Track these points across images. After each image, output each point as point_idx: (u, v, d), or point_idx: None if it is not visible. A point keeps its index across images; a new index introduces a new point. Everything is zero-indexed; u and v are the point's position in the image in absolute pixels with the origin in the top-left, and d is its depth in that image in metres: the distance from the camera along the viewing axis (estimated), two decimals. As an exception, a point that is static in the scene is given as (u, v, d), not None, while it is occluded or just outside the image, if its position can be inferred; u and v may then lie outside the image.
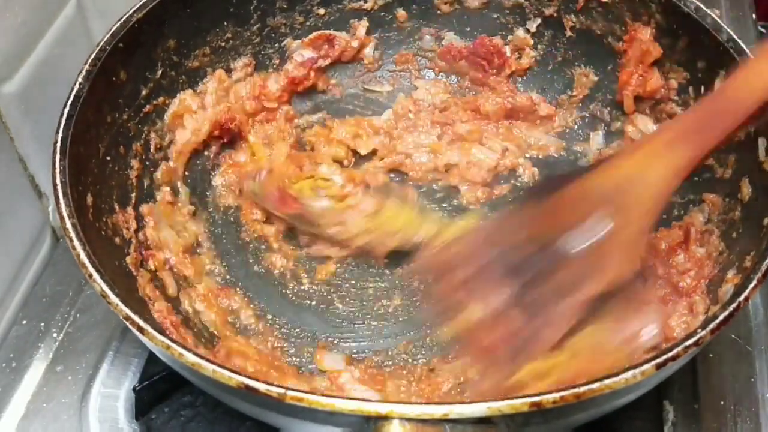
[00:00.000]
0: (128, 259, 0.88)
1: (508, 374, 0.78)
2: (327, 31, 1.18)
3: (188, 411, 0.92)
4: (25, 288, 1.03)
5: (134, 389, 0.90)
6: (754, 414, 0.88)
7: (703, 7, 0.96)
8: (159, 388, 0.91)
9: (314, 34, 1.17)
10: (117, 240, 0.88)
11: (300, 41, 1.17)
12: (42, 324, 0.98)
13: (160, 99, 1.03)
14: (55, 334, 0.97)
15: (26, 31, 0.98)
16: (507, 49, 1.18)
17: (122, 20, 0.95)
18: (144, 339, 0.69)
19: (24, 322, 0.98)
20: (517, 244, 0.84)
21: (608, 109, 1.12)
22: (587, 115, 1.15)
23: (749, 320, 0.97)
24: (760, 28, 1.32)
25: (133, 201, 0.95)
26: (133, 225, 0.93)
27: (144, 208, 0.96)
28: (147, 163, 1.00)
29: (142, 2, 0.97)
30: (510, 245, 0.84)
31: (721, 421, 0.88)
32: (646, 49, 1.02)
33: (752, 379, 0.91)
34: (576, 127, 1.15)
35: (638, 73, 1.04)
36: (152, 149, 1.01)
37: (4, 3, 0.93)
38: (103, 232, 0.85)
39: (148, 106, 1.01)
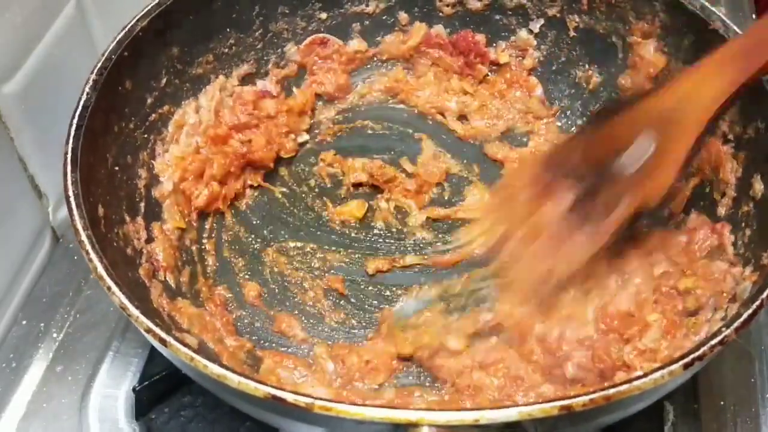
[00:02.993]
0: (141, 270, 0.87)
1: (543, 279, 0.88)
2: (321, 35, 1.17)
3: (188, 411, 0.92)
4: (25, 288, 1.02)
5: (134, 389, 0.90)
6: (754, 414, 0.89)
7: (709, 6, 0.96)
8: (159, 388, 0.91)
9: (309, 38, 1.17)
10: (128, 251, 0.88)
11: (296, 47, 1.16)
12: (42, 324, 0.97)
13: (165, 107, 1.02)
14: (55, 334, 0.96)
15: (26, 31, 0.97)
16: (491, 51, 1.19)
17: (126, 29, 0.94)
18: (167, 352, 0.68)
19: (24, 322, 0.98)
20: (573, 165, 0.90)
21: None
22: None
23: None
24: (760, 28, 1.32)
25: (143, 211, 0.94)
26: (144, 235, 0.92)
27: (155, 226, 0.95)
28: (154, 172, 0.99)
29: (145, 10, 0.96)
30: (567, 167, 0.90)
31: (721, 421, 0.88)
32: (650, 63, 1.04)
33: (752, 380, 0.91)
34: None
35: None
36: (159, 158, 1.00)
37: (4, 3, 0.92)
38: (115, 243, 0.85)
39: (153, 115, 1.00)
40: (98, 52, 0.91)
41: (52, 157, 0.90)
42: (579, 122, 1.15)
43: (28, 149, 1.00)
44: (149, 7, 0.97)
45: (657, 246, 0.94)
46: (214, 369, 0.64)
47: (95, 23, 1.11)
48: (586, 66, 1.15)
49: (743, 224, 0.89)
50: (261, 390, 0.63)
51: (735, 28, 0.93)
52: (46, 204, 1.06)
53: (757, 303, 0.70)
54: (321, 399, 0.62)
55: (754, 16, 1.34)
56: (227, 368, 0.65)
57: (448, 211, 1.08)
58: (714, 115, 0.84)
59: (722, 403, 0.89)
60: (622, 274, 0.93)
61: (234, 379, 0.64)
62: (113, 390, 0.91)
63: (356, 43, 1.20)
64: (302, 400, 0.62)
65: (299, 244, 1.05)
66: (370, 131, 1.18)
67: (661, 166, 0.85)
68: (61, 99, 0.84)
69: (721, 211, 0.93)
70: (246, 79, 1.13)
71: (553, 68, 1.17)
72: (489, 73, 1.20)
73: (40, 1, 0.99)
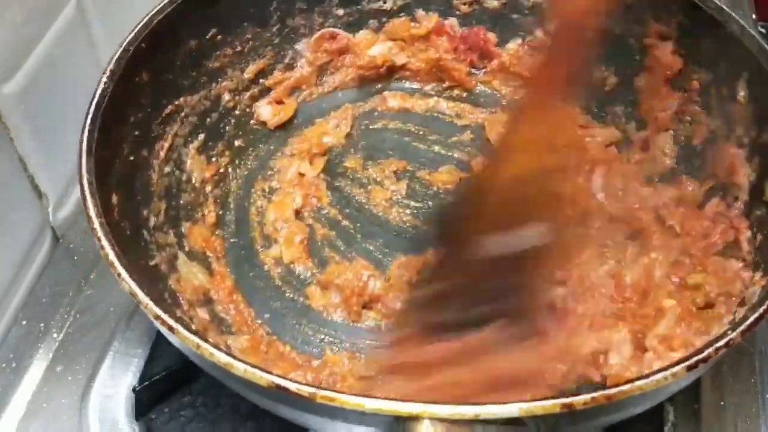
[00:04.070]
0: (154, 259, 0.88)
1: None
2: (330, 29, 1.18)
3: (188, 411, 0.92)
4: (25, 288, 1.02)
5: (134, 389, 0.90)
6: (754, 414, 0.88)
7: (727, 9, 0.95)
8: (159, 388, 0.91)
9: (318, 33, 1.18)
10: (141, 241, 0.89)
11: (305, 42, 1.17)
12: (42, 324, 0.97)
13: (181, 100, 1.03)
14: (55, 334, 0.96)
15: (26, 31, 0.98)
16: (502, 52, 1.19)
17: (144, 21, 0.95)
18: (174, 339, 0.69)
19: (24, 322, 0.98)
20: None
21: (629, 109, 1.12)
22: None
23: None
24: (760, 28, 1.30)
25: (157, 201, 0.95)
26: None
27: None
28: (170, 163, 1.00)
29: (162, 3, 0.97)
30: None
31: (721, 422, 0.87)
32: (667, 65, 1.04)
33: (752, 380, 0.91)
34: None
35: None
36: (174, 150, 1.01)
37: (4, 3, 0.92)
38: (128, 232, 0.86)
39: (169, 107, 1.01)
40: (98, 53, 0.90)
41: (52, 157, 0.91)
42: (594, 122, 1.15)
43: (28, 149, 1.00)
44: (166, 0, 0.98)
45: (679, 228, 0.95)
46: (220, 357, 0.65)
47: (95, 23, 1.11)
48: (602, 67, 1.14)
49: (755, 229, 0.89)
50: (265, 379, 0.64)
51: (751, 31, 0.92)
52: (46, 204, 1.06)
53: (764, 307, 0.70)
54: (324, 389, 0.63)
55: (754, 16, 1.33)
56: (233, 357, 0.65)
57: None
58: None
59: (722, 403, 0.88)
60: (640, 246, 0.94)
61: (240, 368, 0.65)
62: (113, 390, 0.91)
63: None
64: (305, 390, 0.62)
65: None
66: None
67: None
68: (61, 99, 0.83)
69: (734, 215, 0.93)
70: (260, 75, 1.15)
71: (569, 69, 1.17)
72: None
73: (40, 1, 1.00)
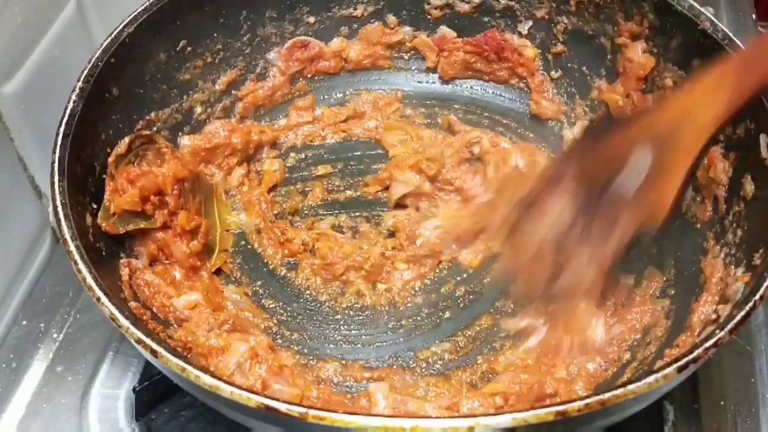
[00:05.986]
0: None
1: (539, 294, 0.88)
2: (302, 38, 1.17)
3: (188, 411, 0.91)
4: (25, 288, 1.02)
5: (134, 390, 0.89)
6: (754, 414, 0.88)
7: (697, 6, 0.96)
8: (159, 388, 0.90)
9: (290, 42, 1.16)
10: (118, 261, 0.87)
11: (277, 51, 1.16)
12: (42, 324, 0.97)
13: (152, 114, 1.01)
14: (55, 335, 0.96)
15: (26, 31, 0.97)
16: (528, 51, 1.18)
17: (113, 36, 0.93)
18: (157, 362, 0.67)
19: (24, 322, 0.98)
20: (568, 183, 0.87)
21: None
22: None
23: (749, 320, 0.96)
24: (759, 28, 1.32)
25: (131, 219, 0.93)
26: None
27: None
28: (142, 180, 0.98)
29: (132, 16, 0.96)
30: (563, 183, 0.88)
31: (721, 421, 0.88)
32: (640, 65, 1.04)
33: (752, 380, 0.91)
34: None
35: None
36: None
37: (4, 3, 0.92)
38: (104, 253, 0.84)
39: (140, 122, 0.99)
40: (97, 53, 0.90)
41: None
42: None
43: (28, 149, 1.00)
44: (136, 12, 0.96)
45: None
46: (205, 379, 0.64)
47: (95, 23, 1.11)
48: (576, 67, 1.14)
49: (735, 225, 0.89)
50: (254, 400, 0.62)
51: (723, 28, 0.93)
52: (46, 204, 1.05)
53: (750, 304, 0.70)
54: (314, 408, 0.61)
55: (753, 16, 1.34)
56: (219, 378, 0.64)
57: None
58: (713, 135, 0.82)
59: (722, 403, 0.89)
60: None
61: (226, 390, 0.63)
62: (113, 390, 0.90)
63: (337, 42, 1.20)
64: (295, 410, 0.61)
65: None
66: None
67: (659, 187, 0.83)
68: (61, 99, 0.85)
69: (713, 212, 0.93)
70: (232, 86, 1.13)
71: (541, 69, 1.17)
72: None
73: (40, 1, 0.99)
